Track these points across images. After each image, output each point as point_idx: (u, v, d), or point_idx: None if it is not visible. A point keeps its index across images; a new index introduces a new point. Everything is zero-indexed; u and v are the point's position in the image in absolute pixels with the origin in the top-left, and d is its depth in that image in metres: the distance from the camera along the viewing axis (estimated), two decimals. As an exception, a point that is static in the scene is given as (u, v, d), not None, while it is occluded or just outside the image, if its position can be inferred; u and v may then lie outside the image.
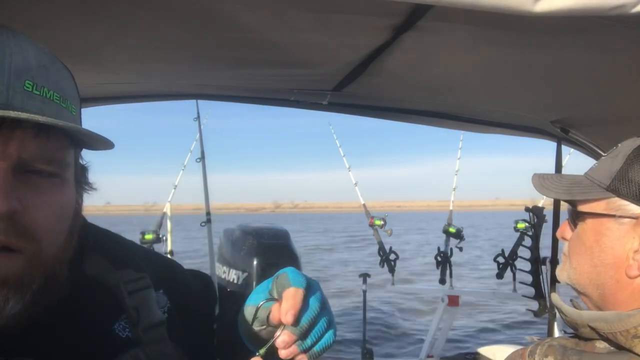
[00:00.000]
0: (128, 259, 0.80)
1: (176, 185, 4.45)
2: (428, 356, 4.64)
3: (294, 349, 0.68)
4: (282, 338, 0.67)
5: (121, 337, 0.73)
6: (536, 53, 1.26)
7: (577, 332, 0.91)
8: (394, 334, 8.09)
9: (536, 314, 3.31)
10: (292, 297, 0.67)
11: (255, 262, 3.09)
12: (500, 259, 4.24)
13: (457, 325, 7.57)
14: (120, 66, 1.53)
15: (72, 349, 0.67)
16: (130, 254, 0.83)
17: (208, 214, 3.56)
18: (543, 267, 3.24)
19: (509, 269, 4.21)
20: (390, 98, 1.97)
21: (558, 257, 2.31)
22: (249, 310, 0.73)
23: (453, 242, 4.80)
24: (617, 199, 0.86)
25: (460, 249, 4.77)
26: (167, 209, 4.17)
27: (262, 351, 0.67)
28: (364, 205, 5.14)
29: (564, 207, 1.01)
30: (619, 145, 0.91)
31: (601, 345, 0.86)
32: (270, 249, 3.20)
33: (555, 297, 0.99)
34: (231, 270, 3.24)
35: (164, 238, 3.93)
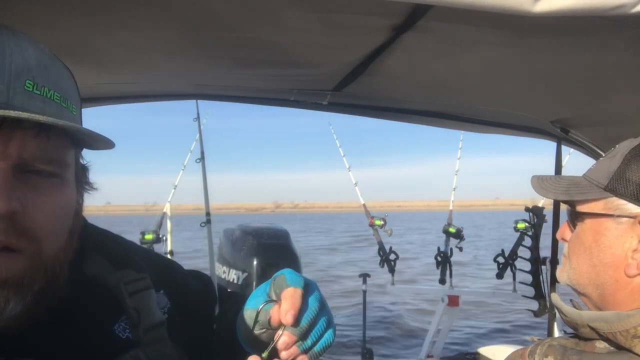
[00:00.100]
0: (128, 260, 0.80)
1: (176, 185, 4.45)
2: (428, 356, 4.64)
3: (294, 349, 0.68)
4: (282, 339, 0.67)
5: (121, 338, 0.73)
6: (536, 53, 1.26)
7: (577, 332, 0.91)
8: (394, 334, 8.09)
9: (536, 314, 3.31)
10: (290, 297, 0.67)
11: (255, 262, 3.09)
12: (500, 259, 4.24)
13: (457, 325, 7.57)
14: (120, 66, 1.53)
15: (72, 349, 0.67)
16: (131, 254, 0.83)
17: (208, 214, 3.56)
18: (543, 267, 3.24)
19: (509, 269, 4.22)
20: (390, 98, 1.97)
21: (558, 257, 2.31)
22: (248, 314, 0.73)
23: (453, 242, 4.80)
24: (615, 198, 0.86)
25: (460, 249, 4.77)
26: (167, 209, 4.18)
27: (264, 354, 0.67)
28: (364, 205, 5.14)
29: (564, 207, 1.01)
30: (617, 146, 0.92)
31: (601, 345, 0.86)
32: (270, 249, 3.21)
33: (555, 297, 0.99)
34: (231, 270, 3.25)
35: (164, 238, 3.93)
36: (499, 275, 4.26)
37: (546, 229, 3.01)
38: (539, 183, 1.01)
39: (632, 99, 1.54)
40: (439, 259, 4.68)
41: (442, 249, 4.73)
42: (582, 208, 0.92)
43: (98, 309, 0.73)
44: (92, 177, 0.74)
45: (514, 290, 4.40)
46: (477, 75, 1.54)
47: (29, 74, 0.60)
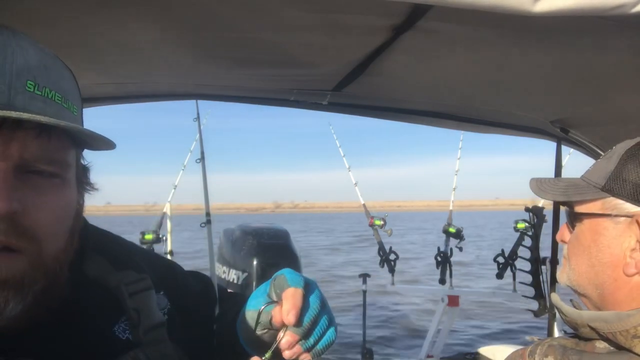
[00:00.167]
0: (129, 260, 0.80)
1: (176, 186, 4.46)
2: (428, 356, 4.64)
3: (297, 348, 0.68)
4: (285, 339, 0.67)
5: (121, 338, 0.73)
6: (536, 53, 1.26)
7: (577, 332, 0.91)
8: (394, 334, 8.09)
9: (536, 314, 3.31)
10: (292, 297, 0.67)
11: (255, 262, 3.10)
12: (500, 259, 4.24)
13: (458, 325, 7.57)
14: (120, 66, 1.53)
15: (72, 350, 0.67)
16: (131, 255, 0.83)
17: (208, 214, 3.56)
18: (543, 267, 3.24)
19: (509, 269, 4.22)
20: (390, 98, 1.97)
21: (558, 257, 2.31)
22: (250, 315, 0.73)
23: (453, 242, 4.80)
24: (612, 198, 0.87)
25: (460, 249, 4.77)
26: (167, 209, 4.18)
27: (267, 355, 0.67)
28: (364, 205, 5.15)
29: (564, 207, 1.01)
30: (614, 147, 0.92)
31: (601, 345, 0.86)
32: (270, 249, 3.21)
33: (555, 297, 0.99)
34: (231, 270, 3.25)
35: (164, 238, 3.93)
36: (499, 275, 4.26)
37: (546, 228, 3.02)
38: (538, 185, 1.02)
39: (632, 99, 1.54)
40: (439, 259, 4.68)
41: (442, 249, 4.74)
42: (580, 209, 0.93)
43: (98, 309, 0.73)
44: (93, 177, 0.74)
45: (514, 290, 4.41)
46: (477, 75, 1.54)
47: (30, 75, 0.59)
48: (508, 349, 2.34)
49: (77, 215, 0.69)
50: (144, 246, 3.60)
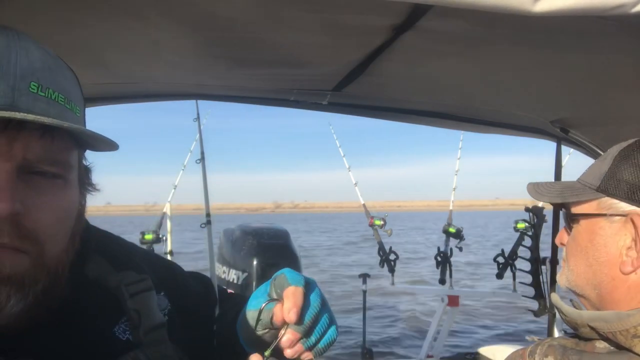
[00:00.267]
0: (129, 261, 0.80)
1: (176, 186, 4.46)
2: (428, 356, 4.64)
3: (299, 347, 0.68)
4: (287, 337, 0.67)
5: (121, 339, 0.73)
6: (536, 53, 1.26)
7: (577, 332, 0.91)
8: (394, 334, 8.09)
9: (536, 314, 3.31)
10: (292, 295, 0.67)
11: (255, 262, 3.10)
12: (500, 259, 4.24)
13: (458, 325, 7.57)
14: (120, 66, 1.53)
15: (72, 350, 0.67)
16: (132, 255, 0.83)
17: (208, 215, 3.56)
18: (543, 267, 3.24)
19: (509, 268, 4.22)
20: (390, 98, 1.97)
21: (558, 257, 2.31)
22: (250, 315, 0.73)
23: (453, 242, 4.80)
24: (607, 198, 0.88)
25: (460, 249, 4.77)
26: (167, 209, 4.18)
27: (267, 353, 0.67)
28: (364, 205, 5.15)
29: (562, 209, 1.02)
30: (608, 150, 0.94)
31: (601, 345, 0.86)
32: (270, 249, 3.21)
33: (555, 297, 1.00)
34: (231, 270, 3.25)
35: (164, 238, 3.93)
36: (499, 275, 4.26)
37: (546, 229, 3.02)
38: (535, 188, 1.04)
39: (632, 99, 1.54)
40: (439, 259, 4.68)
41: (442, 249, 4.74)
42: (576, 210, 0.94)
43: (99, 310, 0.73)
44: (93, 177, 0.74)
45: (514, 290, 4.41)
46: (477, 75, 1.54)
47: (33, 76, 0.60)
48: (508, 349, 2.34)
49: (79, 216, 0.69)
50: (144, 246, 3.60)
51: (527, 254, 3.45)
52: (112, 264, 0.78)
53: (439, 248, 4.75)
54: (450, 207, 5.16)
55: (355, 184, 5.30)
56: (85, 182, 0.71)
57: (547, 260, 3.03)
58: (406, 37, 1.18)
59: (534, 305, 3.30)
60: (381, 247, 4.73)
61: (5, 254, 0.58)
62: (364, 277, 5.07)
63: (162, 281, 0.82)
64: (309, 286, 0.71)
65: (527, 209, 3.52)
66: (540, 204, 3.66)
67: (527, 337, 1.07)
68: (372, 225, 4.87)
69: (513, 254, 4.17)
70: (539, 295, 3.26)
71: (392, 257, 4.68)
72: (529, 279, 3.34)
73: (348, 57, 1.41)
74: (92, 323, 0.72)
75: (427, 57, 1.38)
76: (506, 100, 1.85)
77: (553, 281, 2.50)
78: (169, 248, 3.99)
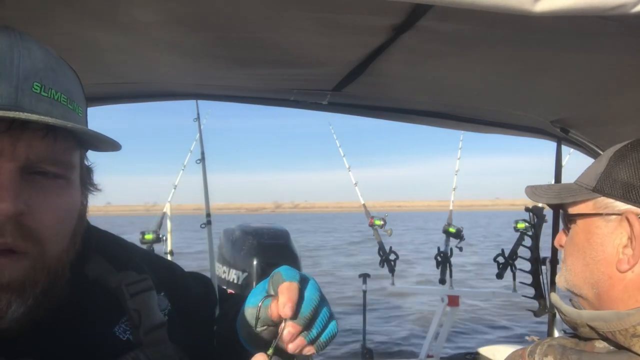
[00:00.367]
0: (130, 261, 0.80)
1: (176, 186, 4.46)
2: (428, 356, 4.64)
3: (300, 340, 0.68)
4: (287, 330, 0.67)
5: (122, 339, 0.73)
6: (536, 53, 1.26)
7: (576, 332, 0.92)
8: (394, 334, 8.09)
9: (536, 314, 3.31)
10: (287, 290, 0.67)
11: (255, 262, 3.09)
12: (500, 259, 4.24)
13: (458, 325, 7.57)
14: (120, 66, 1.53)
15: (73, 351, 0.67)
16: (132, 256, 0.83)
17: (208, 215, 3.56)
18: (543, 267, 3.24)
19: (509, 268, 4.22)
20: (390, 98, 1.97)
21: (558, 257, 2.31)
22: (249, 312, 0.73)
23: (453, 242, 4.80)
24: (603, 198, 0.90)
25: (460, 248, 4.77)
26: (167, 209, 4.18)
27: (270, 352, 0.67)
28: (364, 205, 5.15)
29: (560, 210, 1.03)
30: (605, 151, 0.96)
31: (601, 344, 0.86)
32: (270, 249, 3.21)
33: (554, 297, 1.00)
34: (231, 270, 3.25)
35: (164, 238, 3.93)
36: (499, 275, 4.27)
37: (546, 229, 3.02)
38: (532, 190, 1.06)
39: (632, 99, 1.54)
40: (439, 259, 4.68)
41: (442, 249, 4.74)
42: (573, 210, 0.96)
43: (99, 310, 0.73)
44: (94, 177, 0.74)
45: (514, 290, 4.41)
46: (477, 75, 1.54)
47: (36, 76, 0.60)
48: (508, 349, 2.34)
49: (80, 216, 0.69)
50: (144, 246, 3.60)
51: (527, 253, 3.45)
52: (112, 264, 0.78)
53: (439, 248, 4.75)
54: (451, 207, 5.16)
55: (356, 184, 5.30)
56: (87, 182, 0.71)
57: (547, 260, 3.03)
58: (406, 37, 1.18)
59: (534, 305, 3.30)
60: (381, 247, 4.73)
61: (5, 260, 0.58)
62: (364, 277, 5.07)
63: (162, 281, 0.82)
64: (304, 281, 0.71)
65: (527, 209, 3.53)
66: (540, 204, 3.66)
67: (527, 337, 1.07)
68: (372, 225, 4.87)
69: (513, 254, 4.17)
70: (539, 295, 3.26)
71: (392, 257, 4.69)
72: (529, 279, 3.34)
73: (348, 57, 1.41)
74: (93, 323, 0.72)
75: (427, 57, 1.38)
76: (506, 100, 1.85)
77: (553, 281, 2.50)
78: (169, 248, 3.99)
